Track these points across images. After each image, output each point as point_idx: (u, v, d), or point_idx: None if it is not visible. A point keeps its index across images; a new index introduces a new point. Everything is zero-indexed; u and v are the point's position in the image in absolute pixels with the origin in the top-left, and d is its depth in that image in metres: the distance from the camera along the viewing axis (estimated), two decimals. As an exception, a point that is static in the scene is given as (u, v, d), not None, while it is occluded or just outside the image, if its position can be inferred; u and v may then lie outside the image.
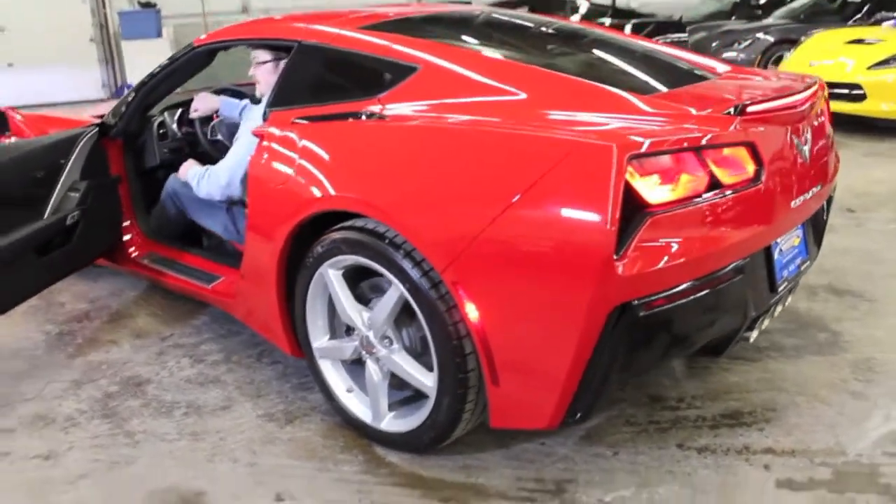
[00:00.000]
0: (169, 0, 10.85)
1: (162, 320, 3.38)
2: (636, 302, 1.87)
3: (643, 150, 1.85)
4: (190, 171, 3.06)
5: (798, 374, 2.72)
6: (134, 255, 3.37)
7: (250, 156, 2.68)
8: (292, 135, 2.44)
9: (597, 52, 2.73)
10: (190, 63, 3.13)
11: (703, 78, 2.54)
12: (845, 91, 6.29)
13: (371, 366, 2.33)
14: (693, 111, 2.09)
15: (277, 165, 2.45)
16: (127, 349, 3.13)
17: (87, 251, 3.16)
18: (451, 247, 1.99)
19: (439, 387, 2.13)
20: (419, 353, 2.26)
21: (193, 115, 3.37)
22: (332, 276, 2.33)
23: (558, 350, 1.91)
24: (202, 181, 2.95)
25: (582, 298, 1.84)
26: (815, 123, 2.45)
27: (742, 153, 2.07)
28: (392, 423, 2.34)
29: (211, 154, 3.41)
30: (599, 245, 1.80)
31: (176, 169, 3.35)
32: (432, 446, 2.28)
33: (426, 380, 2.18)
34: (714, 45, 8.73)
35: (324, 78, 2.66)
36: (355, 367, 2.47)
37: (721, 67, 2.73)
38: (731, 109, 2.08)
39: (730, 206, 2.01)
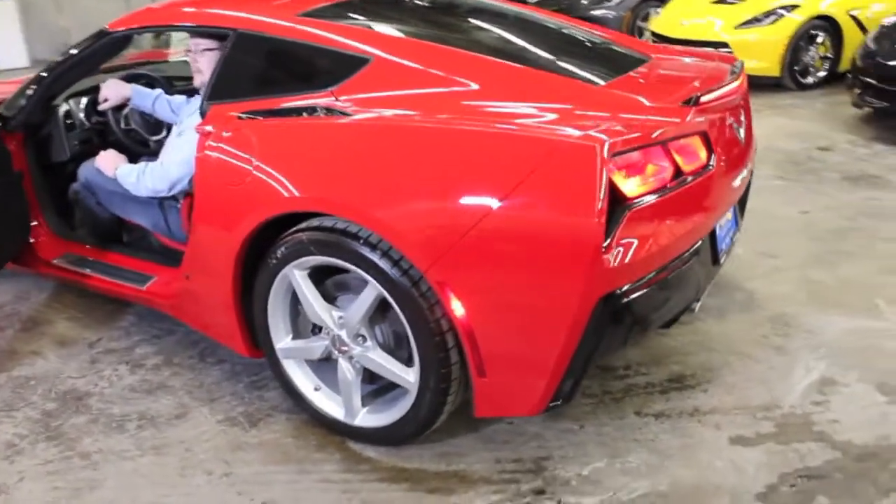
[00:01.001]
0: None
1: (84, 324, 3.18)
2: (619, 291, 1.97)
3: (624, 147, 1.93)
4: (120, 168, 2.83)
5: (725, 335, 2.96)
6: (46, 256, 3.13)
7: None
8: (244, 132, 2.34)
9: (534, 35, 2.77)
10: (102, 50, 2.90)
11: (639, 61, 2.65)
12: (714, 50, 6.68)
13: (343, 364, 2.32)
14: (649, 103, 2.19)
15: (230, 165, 2.34)
16: (53, 360, 2.93)
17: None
18: (434, 246, 2.01)
19: (421, 382, 2.16)
20: (392, 349, 2.28)
21: (104, 105, 3.12)
22: (298, 276, 2.29)
23: (548, 341, 1.98)
24: (143, 177, 2.74)
25: (572, 291, 1.92)
26: (743, 103, 2.62)
27: (697, 142, 2.20)
28: (367, 418, 2.36)
29: (126, 144, 3.19)
30: (588, 240, 1.88)
31: (85, 160, 3.13)
32: (411, 439, 2.32)
33: (406, 375, 2.20)
34: (585, 1, 8.97)
35: (267, 70, 2.55)
36: (320, 363, 2.45)
37: (649, 49, 2.86)
38: (688, 100, 2.19)
39: (691, 192, 2.14)
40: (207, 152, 2.41)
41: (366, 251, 2.10)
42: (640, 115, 2.13)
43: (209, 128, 2.43)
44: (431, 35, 2.56)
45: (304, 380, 2.45)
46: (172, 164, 2.71)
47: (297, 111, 2.35)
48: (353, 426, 2.37)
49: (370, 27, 2.49)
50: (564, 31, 2.91)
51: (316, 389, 2.45)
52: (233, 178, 2.33)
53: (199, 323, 2.70)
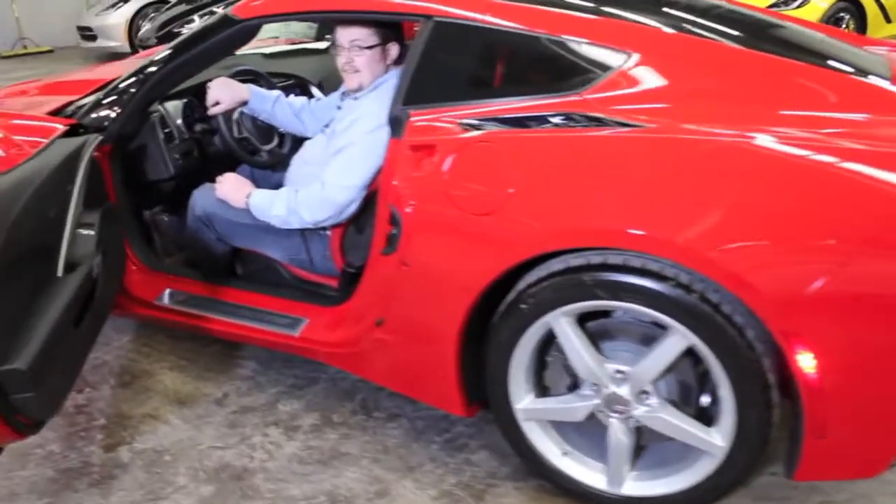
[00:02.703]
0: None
1: (195, 375, 2.63)
2: None
3: None
4: (254, 197, 2.29)
5: None
6: (144, 295, 2.56)
7: (376, 167, 2.12)
8: (486, 146, 1.88)
9: (788, 31, 2.37)
10: (224, 43, 2.33)
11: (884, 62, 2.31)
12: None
13: (616, 425, 1.92)
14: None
15: (470, 190, 1.88)
16: (180, 425, 2.38)
17: (108, 300, 2.32)
18: (778, 290, 1.62)
19: (736, 444, 1.79)
20: (677, 404, 1.90)
21: (215, 109, 2.55)
22: (565, 324, 1.86)
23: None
24: (298, 207, 2.21)
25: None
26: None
27: None
28: (637, 486, 1.96)
29: (241, 157, 2.63)
30: None
31: (187, 180, 2.58)
32: (691, 510, 1.96)
33: (709, 437, 1.82)
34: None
35: (484, 68, 2.09)
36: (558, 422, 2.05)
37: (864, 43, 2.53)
38: None
39: None
40: (429, 171, 1.94)
41: (677, 294, 1.71)
42: None
43: (428, 140, 1.96)
44: (687, 28, 2.12)
45: (548, 444, 2.03)
46: (340, 188, 2.20)
47: (541, 120, 1.91)
48: (616, 496, 1.98)
49: (621, 16, 2.06)
50: (798, 28, 2.49)
51: (564, 454, 2.03)
52: (475, 206, 1.87)
53: (388, 377, 2.22)
